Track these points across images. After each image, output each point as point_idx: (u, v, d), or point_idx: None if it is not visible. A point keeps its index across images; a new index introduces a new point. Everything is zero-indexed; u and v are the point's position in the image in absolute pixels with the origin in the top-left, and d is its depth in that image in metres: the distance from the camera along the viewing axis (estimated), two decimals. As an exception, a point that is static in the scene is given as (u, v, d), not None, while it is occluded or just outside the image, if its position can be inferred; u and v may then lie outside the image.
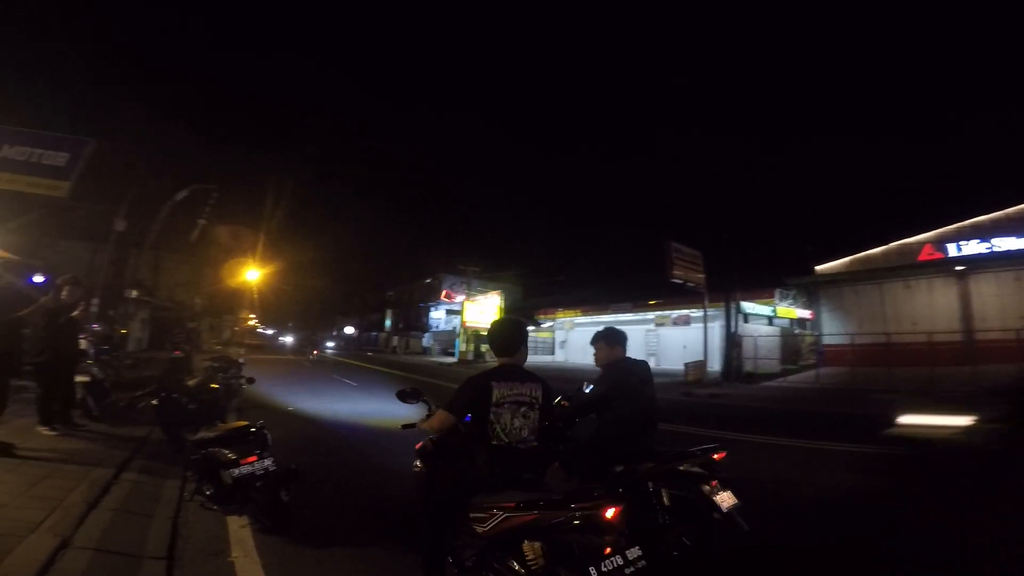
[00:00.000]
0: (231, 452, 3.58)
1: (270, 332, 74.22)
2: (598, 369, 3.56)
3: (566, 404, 3.59)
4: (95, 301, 13.41)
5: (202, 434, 3.89)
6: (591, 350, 3.64)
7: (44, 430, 5.54)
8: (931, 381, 15.19)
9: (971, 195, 21.13)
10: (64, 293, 5.75)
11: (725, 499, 2.99)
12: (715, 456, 3.12)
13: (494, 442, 2.52)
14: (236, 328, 50.92)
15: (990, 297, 19.45)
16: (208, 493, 3.61)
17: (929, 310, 20.71)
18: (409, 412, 3.22)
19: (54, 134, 7.50)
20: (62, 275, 6.03)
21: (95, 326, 9.99)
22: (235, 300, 43.75)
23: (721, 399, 15.27)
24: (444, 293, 43.20)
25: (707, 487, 3.01)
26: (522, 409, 2.58)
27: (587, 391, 3.61)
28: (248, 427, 3.89)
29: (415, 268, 52.34)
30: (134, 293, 14.73)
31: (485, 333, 39.90)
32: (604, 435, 3.26)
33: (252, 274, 28.98)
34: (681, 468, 3.08)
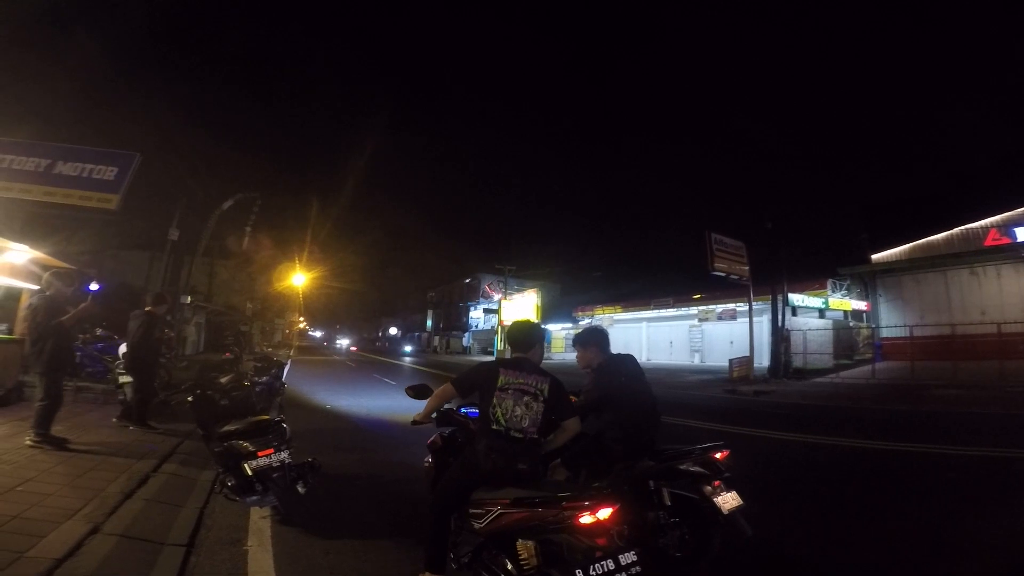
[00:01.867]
0: (250, 444, 3.73)
1: (319, 334, 77.09)
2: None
3: (574, 399, 3.54)
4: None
5: (226, 427, 4.06)
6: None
7: (130, 425, 6.06)
8: (1001, 376, 14.04)
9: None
10: (150, 306, 6.51)
11: (728, 500, 2.86)
12: (717, 455, 2.98)
13: (494, 427, 2.56)
14: (287, 331, 53.07)
15: (1068, 284, 17.82)
16: (230, 484, 3.77)
17: (998, 299, 19.15)
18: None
19: (102, 149, 8.09)
20: (117, 282, 6.50)
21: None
22: (285, 304, 45.62)
23: (766, 396, 14.67)
24: (487, 285, 43.01)
25: (708, 488, 2.88)
26: (525, 399, 2.61)
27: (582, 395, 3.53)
28: (268, 421, 4.03)
29: (455, 269, 53.12)
30: (188, 299, 15.59)
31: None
32: (603, 434, 3.19)
33: (299, 279, 30.11)
34: (681, 467, 2.97)
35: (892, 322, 21.66)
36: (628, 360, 3.43)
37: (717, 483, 2.92)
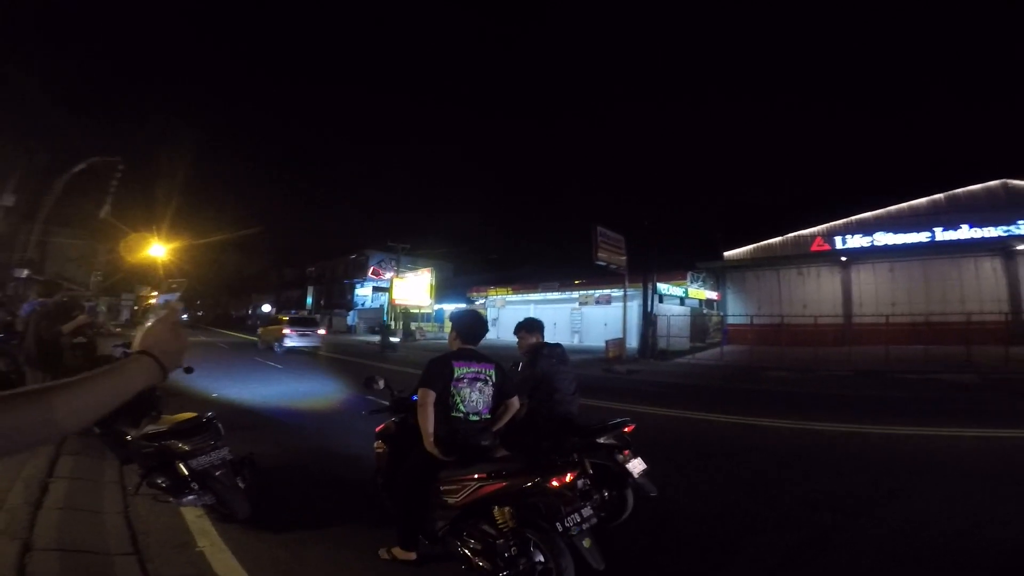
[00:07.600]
0: (186, 444, 3.65)
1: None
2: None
3: None
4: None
5: (151, 427, 3.90)
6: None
7: None
8: (815, 360, 17.23)
9: (858, 194, 23.98)
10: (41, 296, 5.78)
11: (636, 466, 3.56)
12: (627, 429, 3.70)
13: (453, 414, 2.94)
14: (136, 308, 46.86)
15: (867, 285, 22.35)
16: (164, 485, 3.67)
17: (817, 295, 23.41)
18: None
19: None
20: None
21: (-7, 312, 9.02)
22: (136, 277, 40.16)
23: (638, 375, 16.45)
24: (372, 270, 42.20)
25: (621, 456, 3.57)
26: (478, 384, 3.03)
27: (519, 371, 4.05)
28: (199, 418, 3.94)
29: (340, 244, 50.73)
30: (24, 272, 13.33)
31: (417, 311, 38.39)
32: (532, 412, 3.71)
33: (157, 250, 26.68)
34: (600, 441, 3.62)
35: (737, 311, 25.37)
36: (558, 348, 4.06)
37: (627, 452, 3.62)
